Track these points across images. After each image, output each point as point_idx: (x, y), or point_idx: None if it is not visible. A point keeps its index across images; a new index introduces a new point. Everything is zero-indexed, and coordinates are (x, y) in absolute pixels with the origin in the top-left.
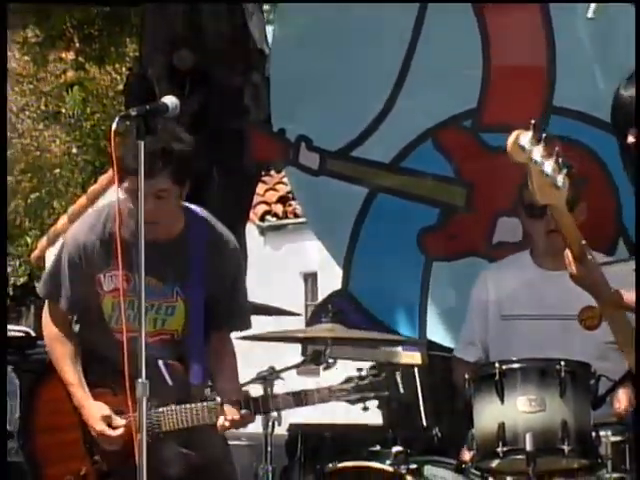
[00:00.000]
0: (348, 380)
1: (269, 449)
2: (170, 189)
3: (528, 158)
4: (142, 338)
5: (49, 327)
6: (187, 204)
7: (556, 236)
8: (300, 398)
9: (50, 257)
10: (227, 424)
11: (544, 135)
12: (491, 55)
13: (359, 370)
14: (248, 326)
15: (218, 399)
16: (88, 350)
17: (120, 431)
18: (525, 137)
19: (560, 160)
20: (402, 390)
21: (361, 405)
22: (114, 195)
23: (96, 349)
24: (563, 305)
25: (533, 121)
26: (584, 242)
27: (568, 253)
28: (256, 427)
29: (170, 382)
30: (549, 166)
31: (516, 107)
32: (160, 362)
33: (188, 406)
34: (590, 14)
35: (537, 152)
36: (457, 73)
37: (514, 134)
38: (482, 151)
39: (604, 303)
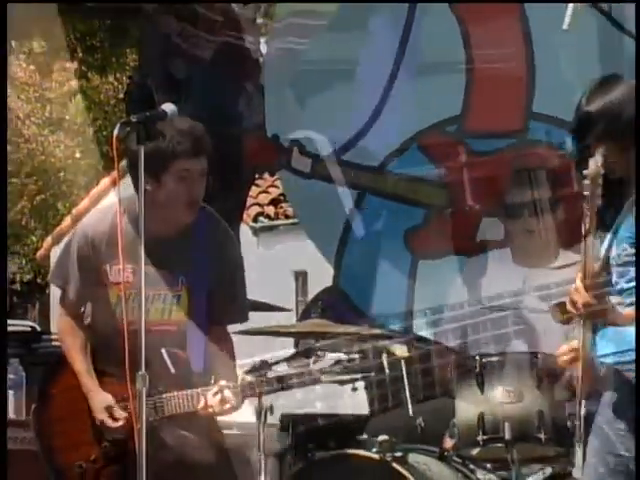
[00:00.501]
0: (337, 362)
1: (261, 438)
2: (206, 170)
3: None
4: (142, 331)
5: (60, 319)
6: None
7: (533, 236)
8: (292, 380)
9: (55, 256)
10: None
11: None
12: (474, 61)
13: (347, 353)
14: (245, 318)
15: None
16: (99, 339)
17: (120, 423)
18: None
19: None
20: (387, 371)
21: (350, 386)
22: (123, 192)
23: (106, 338)
24: (538, 300)
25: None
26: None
27: (580, 286)
28: (248, 416)
29: (173, 370)
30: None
31: (498, 113)
32: (163, 350)
33: (188, 392)
34: (565, 26)
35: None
36: (442, 80)
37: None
38: (466, 155)
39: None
